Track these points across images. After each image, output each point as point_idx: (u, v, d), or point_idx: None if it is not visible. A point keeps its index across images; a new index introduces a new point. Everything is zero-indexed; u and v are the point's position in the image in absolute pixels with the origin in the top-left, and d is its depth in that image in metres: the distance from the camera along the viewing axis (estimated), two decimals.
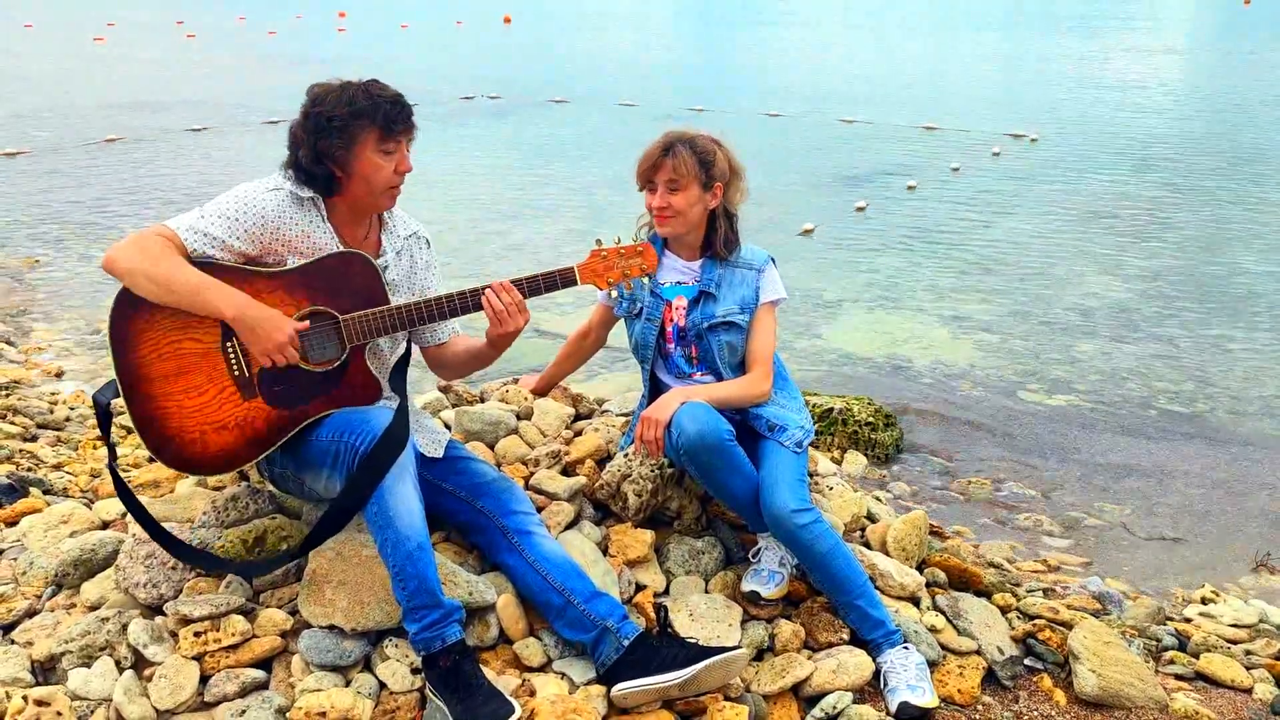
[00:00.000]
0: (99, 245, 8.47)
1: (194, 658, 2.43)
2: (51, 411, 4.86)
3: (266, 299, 2.50)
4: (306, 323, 2.52)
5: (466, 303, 2.59)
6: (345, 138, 2.48)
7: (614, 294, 2.76)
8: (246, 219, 2.49)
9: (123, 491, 2.59)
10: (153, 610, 2.57)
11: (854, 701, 2.61)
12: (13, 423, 4.58)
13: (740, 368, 2.99)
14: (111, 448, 2.64)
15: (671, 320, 2.99)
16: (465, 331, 2.94)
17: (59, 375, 5.53)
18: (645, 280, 2.76)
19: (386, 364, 2.75)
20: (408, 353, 2.80)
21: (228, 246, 2.48)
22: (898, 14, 40.80)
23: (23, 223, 9.47)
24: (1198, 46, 29.40)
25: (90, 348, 6.24)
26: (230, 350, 2.50)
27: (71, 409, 4.94)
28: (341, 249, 2.58)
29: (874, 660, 2.72)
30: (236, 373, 2.50)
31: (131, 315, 2.46)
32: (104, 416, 2.57)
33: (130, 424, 2.52)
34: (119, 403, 2.52)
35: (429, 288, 2.79)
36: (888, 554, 3.15)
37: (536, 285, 2.62)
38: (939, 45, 29.12)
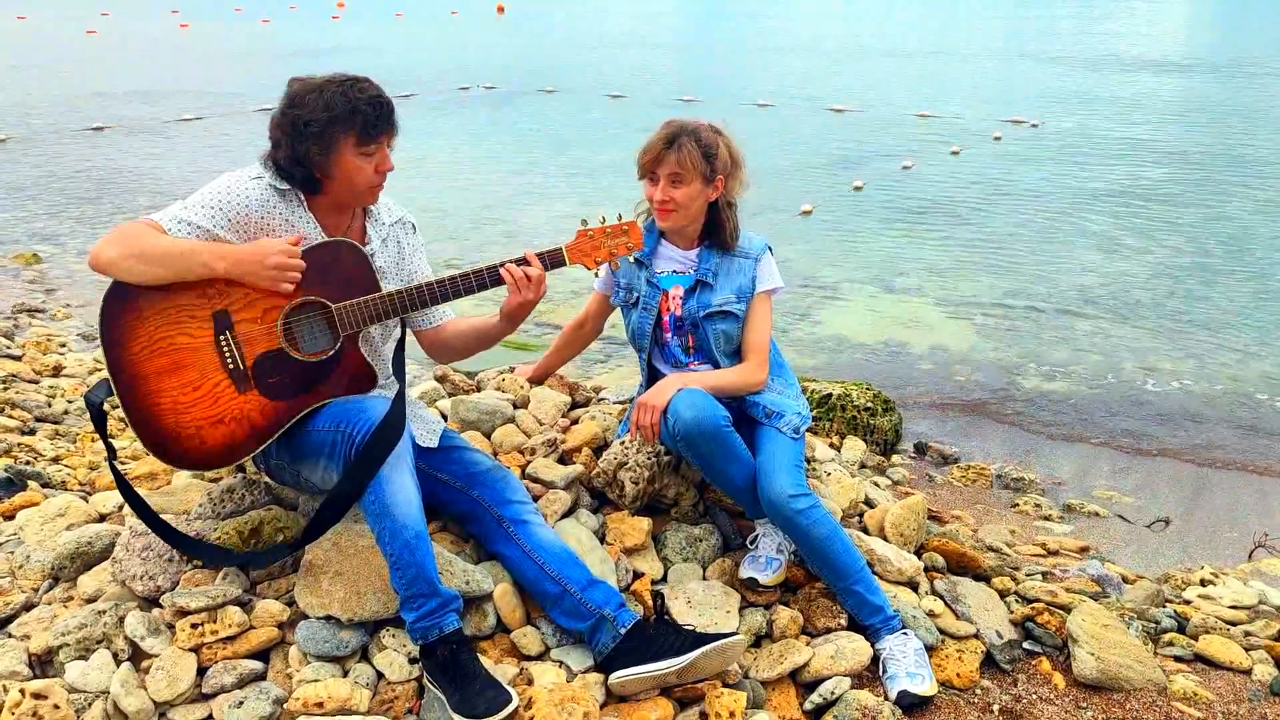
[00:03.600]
0: (95, 238, 8.45)
1: (191, 649, 2.42)
2: (50, 405, 4.85)
3: (259, 290, 2.48)
4: (299, 234, 2.49)
5: (458, 286, 2.57)
6: (322, 144, 2.45)
7: (600, 273, 2.76)
8: (230, 209, 2.47)
9: (125, 489, 2.58)
10: (149, 602, 2.57)
11: (852, 687, 2.61)
12: (11, 416, 4.58)
13: (736, 356, 2.97)
14: (110, 447, 2.62)
15: (668, 309, 2.98)
16: (468, 312, 2.92)
17: (57, 370, 5.51)
18: (631, 258, 2.75)
19: (380, 351, 2.73)
20: (403, 339, 2.79)
21: (212, 236, 2.46)
22: (896, 6, 40.55)
23: (20, 219, 9.45)
24: (1200, 32, 29.26)
25: (89, 342, 6.23)
26: (224, 343, 2.49)
27: (69, 402, 4.93)
28: (327, 239, 2.57)
29: (872, 646, 2.72)
30: (231, 366, 2.49)
31: (122, 313, 2.44)
32: (98, 417, 2.55)
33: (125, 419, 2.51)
34: (113, 400, 2.51)
35: (417, 273, 2.77)
36: (886, 539, 3.15)
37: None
38: (936, 35, 28.98)
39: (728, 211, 2.94)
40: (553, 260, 2.64)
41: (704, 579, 2.89)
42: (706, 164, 2.82)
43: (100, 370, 5.35)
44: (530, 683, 2.46)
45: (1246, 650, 3.05)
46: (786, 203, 9.83)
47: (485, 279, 2.59)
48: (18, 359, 5.57)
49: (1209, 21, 32.37)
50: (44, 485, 3.61)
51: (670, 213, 2.87)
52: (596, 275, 2.94)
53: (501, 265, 2.59)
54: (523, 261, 2.61)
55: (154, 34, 27.07)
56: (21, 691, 2.28)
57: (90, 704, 2.34)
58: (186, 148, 12.60)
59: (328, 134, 2.44)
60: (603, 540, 2.90)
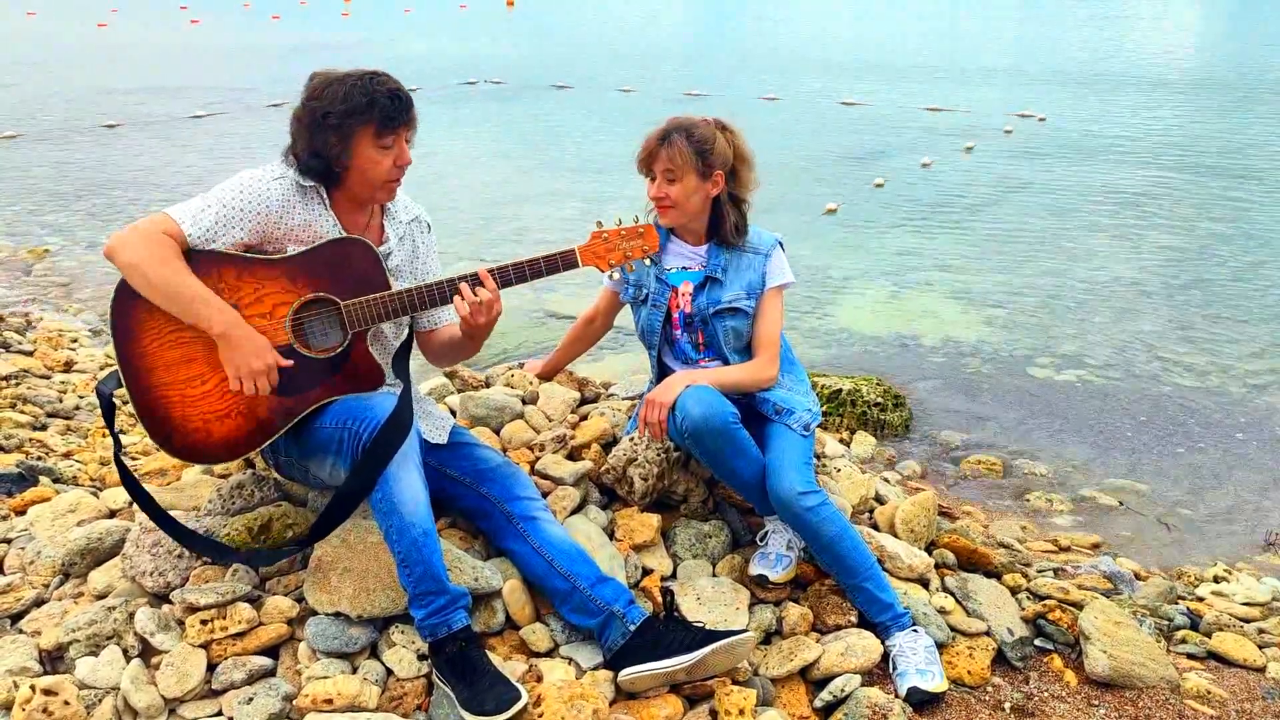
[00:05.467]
0: (106, 233, 8.47)
1: (201, 645, 2.43)
2: (61, 400, 4.86)
3: (269, 286, 2.48)
4: (292, 362, 2.48)
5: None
6: (341, 134, 2.45)
7: (615, 275, 2.74)
8: (250, 208, 2.47)
9: (129, 482, 2.58)
10: (159, 598, 2.58)
11: (862, 684, 2.60)
12: (23, 411, 4.59)
13: (746, 352, 2.96)
14: (116, 439, 2.63)
15: (678, 306, 2.96)
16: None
17: (68, 365, 5.53)
18: (647, 261, 2.73)
19: (389, 349, 2.73)
20: (410, 337, 2.79)
21: (230, 236, 2.46)
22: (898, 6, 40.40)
23: (31, 210, 9.49)
24: (1210, 18, 29.05)
25: (101, 338, 6.25)
26: None
27: (81, 398, 4.94)
28: (342, 235, 2.57)
29: (883, 643, 2.71)
30: None
31: (133, 305, 2.45)
32: (108, 407, 2.56)
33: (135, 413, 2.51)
34: (123, 393, 2.51)
35: (430, 273, 2.77)
36: (896, 535, 3.14)
37: (538, 268, 2.60)
38: (941, 26, 28.87)
39: (729, 207, 2.91)
40: (565, 262, 2.62)
41: (714, 576, 2.88)
42: (699, 159, 2.80)
43: (111, 365, 5.37)
44: (539, 680, 2.45)
45: (1260, 648, 3.03)
46: (808, 199, 9.80)
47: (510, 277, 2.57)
48: (29, 354, 5.59)
49: (1220, 20, 32.11)
50: (55, 480, 3.62)
51: (668, 209, 2.87)
52: (611, 278, 2.93)
53: (459, 283, 2.53)
54: (476, 280, 2.53)
55: (164, 30, 27.13)
56: (32, 688, 2.29)
57: (100, 700, 2.34)
58: (198, 144, 12.63)
59: (346, 125, 2.44)
60: (612, 537, 2.89)
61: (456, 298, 2.53)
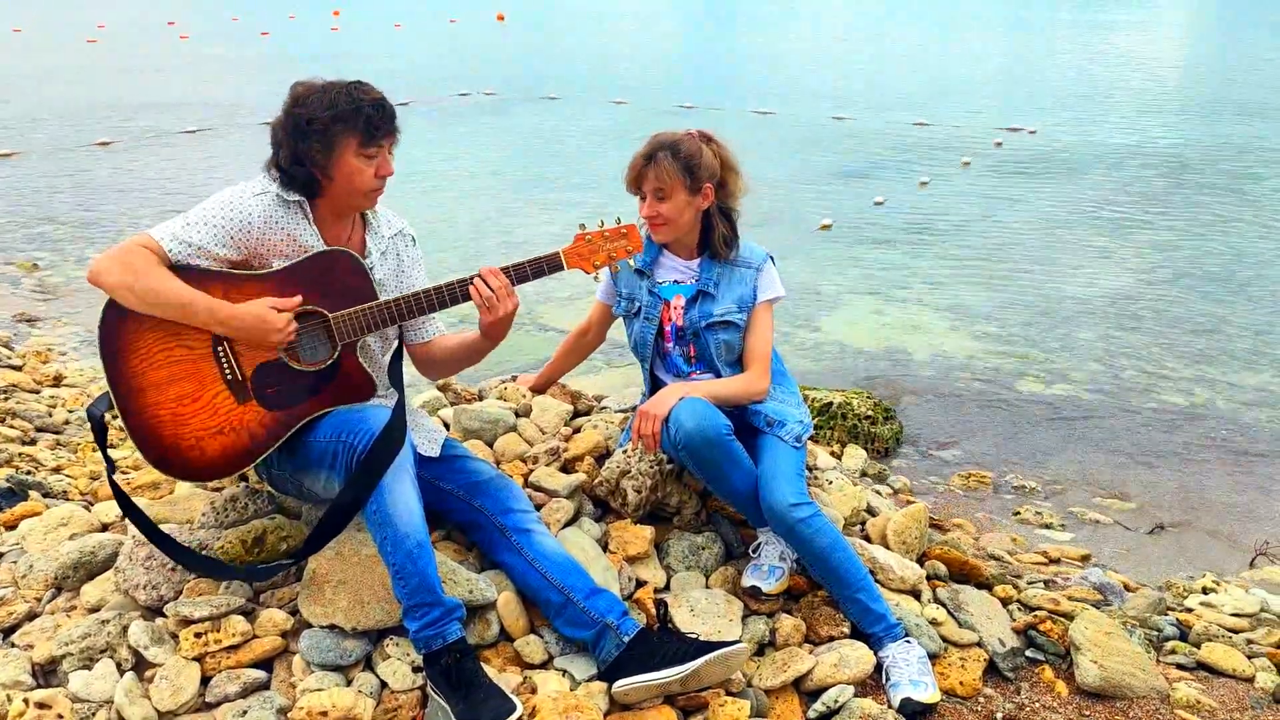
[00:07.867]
0: (96, 248, 8.47)
1: (195, 659, 2.43)
2: (50, 415, 4.85)
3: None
4: (298, 299, 2.49)
5: (455, 294, 2.57)
6: (325, 142, 2.45)
7: (600, 276, 2.76)
8: (231, 225, 2.47)
9: (124, 503, 2.58)
10: (153, 612, 2.57)
11: (855, 695, 2.61)
12: (12, 426, 4.58)
13: (738, 365, 2.98)
14: (110, 462, 2.63)
15: (670, 319, 2.98)
16: (454, 328, 2.92)
17: (57, 380, 5.51)
18: (631, 262, 2.75)
19: (379, 361, 2.73)
20: (400, 348, 2.79)
21: (212, 254, 2.46)
22: (893, 9, 40.70)
23: (20, 225, 9.46)
24: (1196, 34, 29.38)
25: (90, 351, 6.23)
26: (222, 354, 2.48)
27: (70, 412, 4.93)
28: (326, 248, 2.57)
29: (875, 654, 2.72)
30: (229, 376, 2.49)
31: (120, 327, 2.45)
32: (99, 430, 2.56)
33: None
34: (114, 413, 2.51)
35: (416, 286, 2.77)
36: (888, 547, 3.15)
37: (523, 273, 2.61)
38: (931, 41, 29.12)
39: (717, 219, 2.94)
40: (550, 265, 2.64)
41: (707, 587, 2.89)
42: (687, 175, 2.83)
43: (100, 380, 5.35)
44: (534, 691, 2.46)
45: (1249, 658, 3.05)
46: (802, 214, 9.84)
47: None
48: (18, 369, 5.57)
49: (1209, 32, 32.46)
50: (45, 495, 3.61)
51: (660, 227, 2.89)
52: (596, 280, 2.95)
53: (470, 281, 2.56)
54: (467, 283, 2.57)
55: (154, 46, 27.10)
56: (25, 701, 2.28)
57: (94, 713, 2.34)
58: (189, 160, 12.61)
59: (330, 132, 2.45)
60: (605, 549, 2.90)
61: (474, 292, 2.54)
